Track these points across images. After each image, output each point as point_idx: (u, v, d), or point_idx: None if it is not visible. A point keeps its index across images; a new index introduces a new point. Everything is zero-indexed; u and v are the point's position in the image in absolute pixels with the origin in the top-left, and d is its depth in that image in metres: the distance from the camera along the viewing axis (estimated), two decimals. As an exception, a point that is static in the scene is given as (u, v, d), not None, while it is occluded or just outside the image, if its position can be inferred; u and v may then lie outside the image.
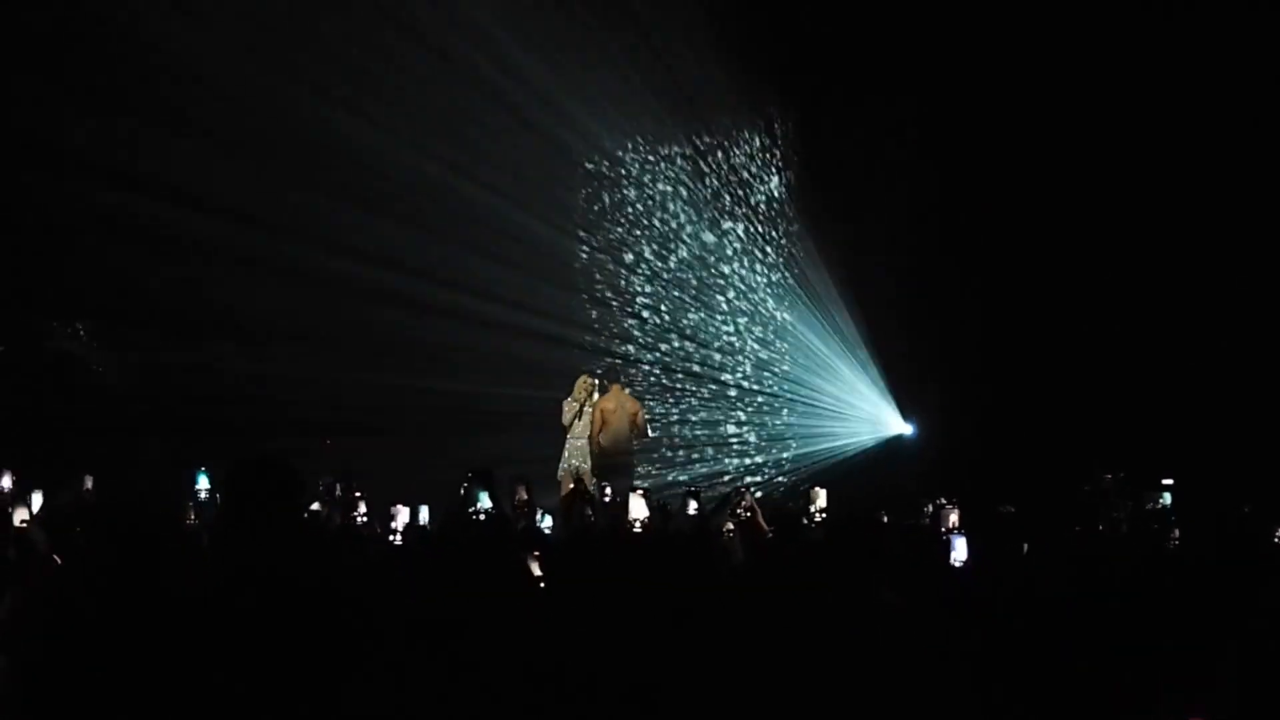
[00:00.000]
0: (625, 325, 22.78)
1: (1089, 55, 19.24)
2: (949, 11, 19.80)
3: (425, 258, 20.93)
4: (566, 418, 18.59)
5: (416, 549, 10.36)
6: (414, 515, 11.56)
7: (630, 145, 22.56)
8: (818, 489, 12.83)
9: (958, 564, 9.21)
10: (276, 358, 20.97)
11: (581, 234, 22.61)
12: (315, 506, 12.10)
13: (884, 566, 7.84)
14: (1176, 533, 11.10)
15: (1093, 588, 7.91)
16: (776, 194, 22.62)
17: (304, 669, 5.68)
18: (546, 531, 12.19)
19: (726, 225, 22.75)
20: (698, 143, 22.53)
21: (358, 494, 12.50)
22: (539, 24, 20.92)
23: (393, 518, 11.32)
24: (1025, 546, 9.71)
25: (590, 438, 18.56)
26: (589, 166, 22.49)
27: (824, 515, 12.13)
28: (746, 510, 11.33)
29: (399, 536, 11.03)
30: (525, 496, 13.30)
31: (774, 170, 22.57)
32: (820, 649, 6.83)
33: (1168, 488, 13.43)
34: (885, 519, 11.15)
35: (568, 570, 8.39)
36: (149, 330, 20.97)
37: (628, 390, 19.39)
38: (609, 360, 20.84)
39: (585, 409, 18.54)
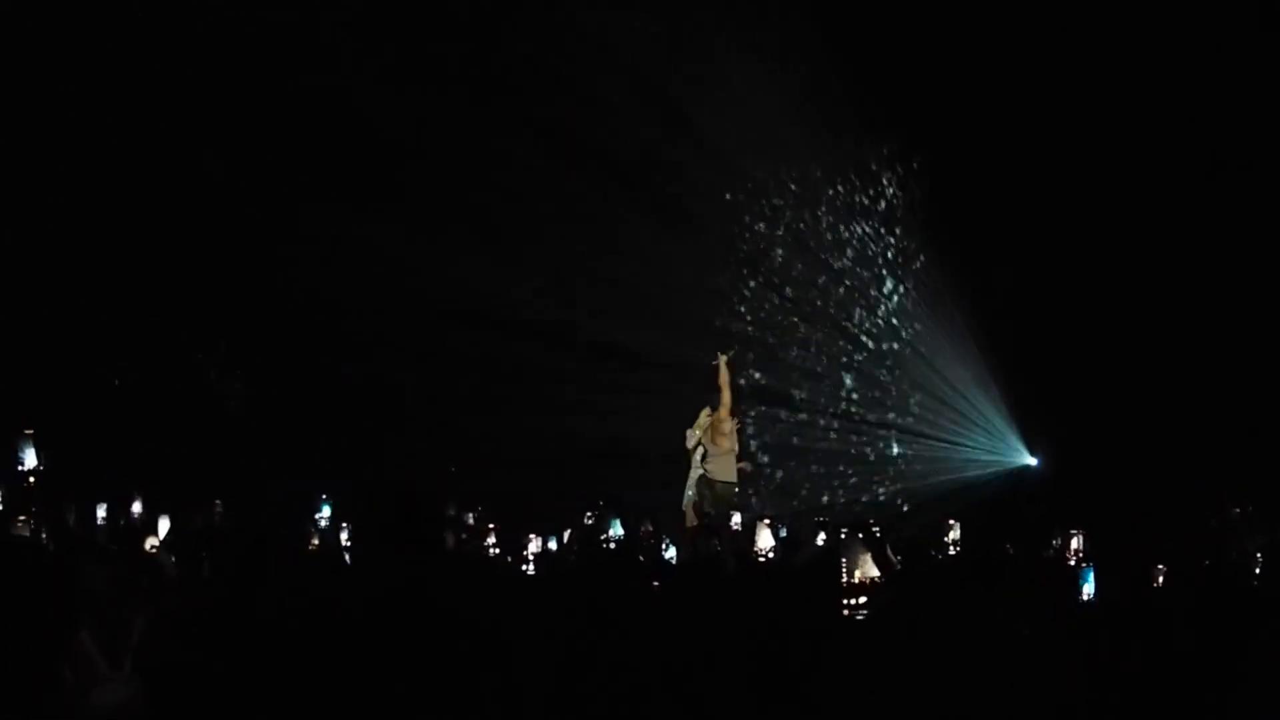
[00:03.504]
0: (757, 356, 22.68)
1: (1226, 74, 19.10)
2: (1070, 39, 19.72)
3: (551, 288, 21.07)
4: (690, 443, 18.54)
5: (549, 576, 10.47)
6: (544, 544, 11.67)
7: (767, 180, 22.51)
8: (952, 521, 12.80)
9: (1087, 597, 9.16)
10: (403, 384, 21.12)
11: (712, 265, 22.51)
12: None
13: (1014, 599, 7.83)
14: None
15: (1228, 621, 7.86)
16: (903, 226, 22.50)
17: (446, 692, 5.78)
18: (670, 560, 12.25)
19: (851, 258, 22.66)
20: (825, 174, 22.49)
21: (490, 524, 12.57)
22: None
23: (524, 546, 11.42)
24: (1158, 580, 9.66)
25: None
26: (728, 197, 22.43)
27: (958, 547, 12.10)
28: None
29: (531, 565, 11.13)
30: (650, 528, 13.39)
31: (900, 203, 22.47)
32: (949, 678, 6.84)
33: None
34: (1011, 550, 11.07)
35: (692, 597, 8.46)
36: (276, 355, 21.22)
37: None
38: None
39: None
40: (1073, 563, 11.13)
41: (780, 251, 22.85)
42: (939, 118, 20.50)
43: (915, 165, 22.11)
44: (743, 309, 22.70)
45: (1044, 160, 20.00)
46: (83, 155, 20.03)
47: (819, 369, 22.73)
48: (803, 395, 22.70)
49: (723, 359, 18.79)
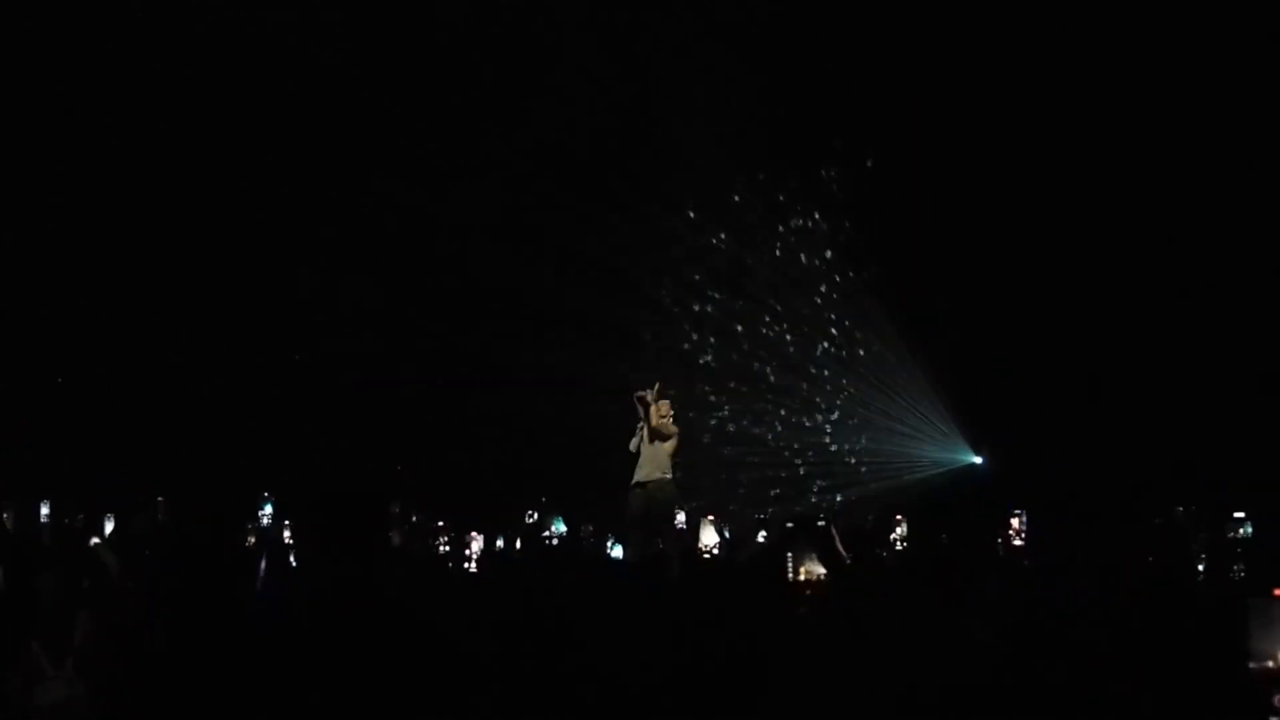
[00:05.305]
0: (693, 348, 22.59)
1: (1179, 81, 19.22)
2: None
3: (500, 280, 21.00)
4: (632, 446, 18.23)
5: (492, 574, 10.46)
6: (489, 542, 11.66)
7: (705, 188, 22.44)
8: (898, 518, 12.85)
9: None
10: (349, 381, 21.01)
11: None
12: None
13: (963, 597, 7.85)
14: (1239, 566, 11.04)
15: (1169, 619, 7.90)
16: (841, 228, 22.43)
17: (387, 692, 5.75)
18: (616, 558, 12.25)
19: (789, 260, 22.59)
20: (760, 179, 22.39)
21: (440, 523, 12.55)
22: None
23: (467, 545, 11.40)
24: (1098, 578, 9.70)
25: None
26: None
27: (905, 544, 12.16)
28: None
29: (474, 563, 11.11)
30: (592, 528, 13.37)
31: (836, 204, 22.38)
32: (897, 677, 6.85)
33: (1242, 520, 13.28)
34: (955, 545, 11.12)
35: (638, 595, 8.45)
36: (223, 351, 21.08)
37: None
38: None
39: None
40: (1016, 542, 11.22)
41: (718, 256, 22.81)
42: (875, 116, 20.51)
43: (854, 165, 22.01)
44: (676, 309, 22.64)
45: (979, 165, 20.04)
46: (32, 154, 19.92)
47: (761, 366, 22.70)
48: (744, 389, 22.65)
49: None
